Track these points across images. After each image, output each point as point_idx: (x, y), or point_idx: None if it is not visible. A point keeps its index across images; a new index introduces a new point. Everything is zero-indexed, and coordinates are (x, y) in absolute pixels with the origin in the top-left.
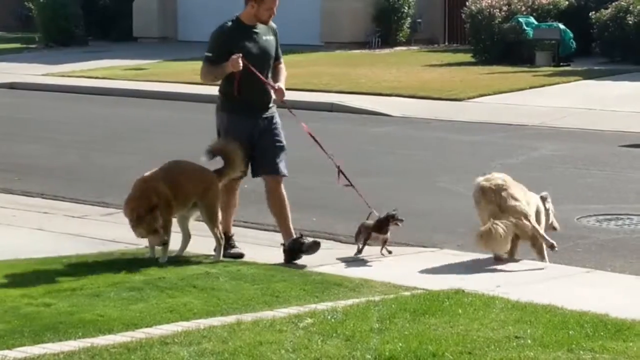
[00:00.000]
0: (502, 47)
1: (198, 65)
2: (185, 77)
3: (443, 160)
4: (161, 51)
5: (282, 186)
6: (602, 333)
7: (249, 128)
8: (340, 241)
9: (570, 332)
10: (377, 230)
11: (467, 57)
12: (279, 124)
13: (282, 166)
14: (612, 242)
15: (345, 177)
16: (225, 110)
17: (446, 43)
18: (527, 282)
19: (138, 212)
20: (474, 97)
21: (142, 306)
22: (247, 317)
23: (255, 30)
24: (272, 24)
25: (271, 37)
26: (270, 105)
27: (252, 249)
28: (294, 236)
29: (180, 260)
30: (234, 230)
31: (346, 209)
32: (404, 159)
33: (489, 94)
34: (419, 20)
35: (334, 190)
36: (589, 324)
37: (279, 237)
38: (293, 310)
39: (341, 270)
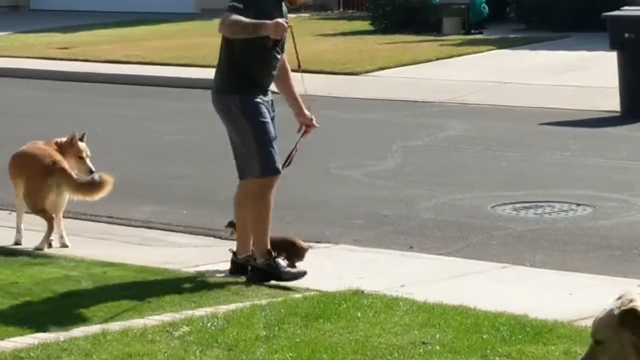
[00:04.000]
0: (404, 13)
1: (53, 37)
2: (38, 52)
3: (337, 143)
4: (11, 21)
5: None
6: (519, 336)
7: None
8: (221, 237)
9: (484, 336)
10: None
11: (365, 25)
12: None
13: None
14: (531, 233)
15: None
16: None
17: (340, 9)
18: (435, 280)
19: None
20: (372, 71)
21: None
22: (114, 326)
23: (282, 6)
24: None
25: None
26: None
27: (121, 247)
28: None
29: (36, 262)
30: None
31: (225, 200)
32: (292, 142)
33: (390, 67)
34: None
35: (208, 180)
36: (505, 326)
37: (149, 234)
38: (167, 317)
39: (222, 270)
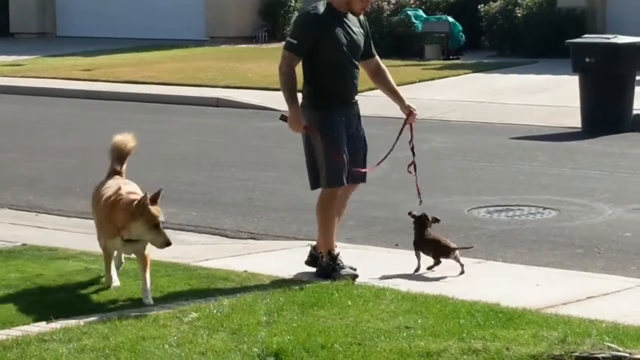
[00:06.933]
0: (391, 41)
1: (76, 60)
2: (63, 73)
3: None
4: (39, 47)
5: None
6: (493, 322)
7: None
8: (227, 236)
9: (461, 322)
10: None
11: None
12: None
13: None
14: (503, 233)
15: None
16: (315, 107)
17: None
18: (418, 273)
19: None
20: (363, 91)
21: (19, 304)
22: (130, 312)
23: (346, 18)
24: (361, 16)
25: (361, 30)
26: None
27: None
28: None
29: (59, 256)
30: None
31: (231, 203)
32: (294, 153)
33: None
34: None
35: (215, 186)
36: (480, 313)
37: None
38: (177, 305)
39: (227, 264)
